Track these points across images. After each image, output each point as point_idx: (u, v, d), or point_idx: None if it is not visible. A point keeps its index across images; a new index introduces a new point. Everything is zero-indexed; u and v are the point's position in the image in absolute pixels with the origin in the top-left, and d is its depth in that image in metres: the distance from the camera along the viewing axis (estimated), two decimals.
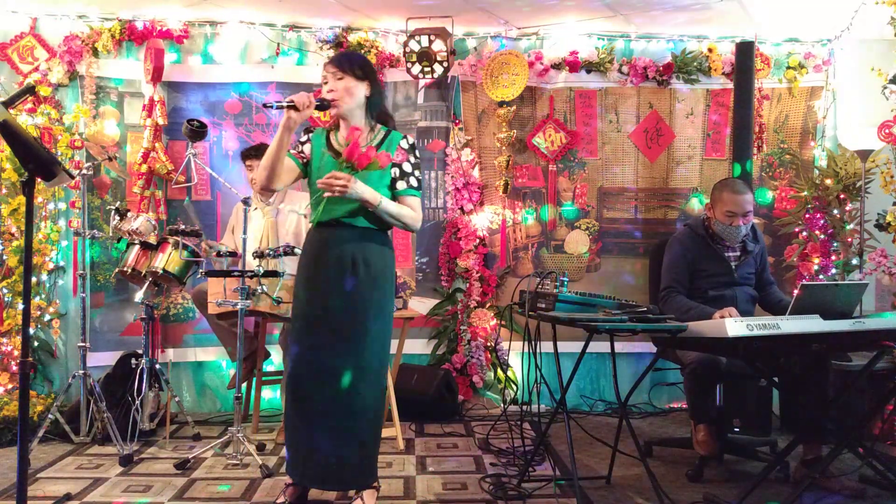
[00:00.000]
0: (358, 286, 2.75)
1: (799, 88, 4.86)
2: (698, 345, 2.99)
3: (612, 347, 3.26)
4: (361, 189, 2.64)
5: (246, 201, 3.61)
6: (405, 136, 2.85)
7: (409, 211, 2.80)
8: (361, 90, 2.78)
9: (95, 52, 4.51)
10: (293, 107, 2.62)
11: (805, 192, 4.65)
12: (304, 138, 2.88)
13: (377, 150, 2.74)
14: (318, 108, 2.71)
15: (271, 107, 2.66)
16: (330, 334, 2.74)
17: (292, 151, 2.82)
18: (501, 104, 4.74)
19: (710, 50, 4.83)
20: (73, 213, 4.42)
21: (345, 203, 2.71)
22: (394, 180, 2.80)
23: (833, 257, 4.55)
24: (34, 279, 4.33)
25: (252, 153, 4.11)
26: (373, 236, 2.80)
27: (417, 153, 2.86)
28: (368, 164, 2.61)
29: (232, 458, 3.53)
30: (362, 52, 4.69)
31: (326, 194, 2.64)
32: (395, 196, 2.81)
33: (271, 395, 4.61)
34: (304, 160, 2.84)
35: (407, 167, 2.81)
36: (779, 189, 4.85)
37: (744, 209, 3.45)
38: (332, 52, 4.68)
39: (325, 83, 2.77)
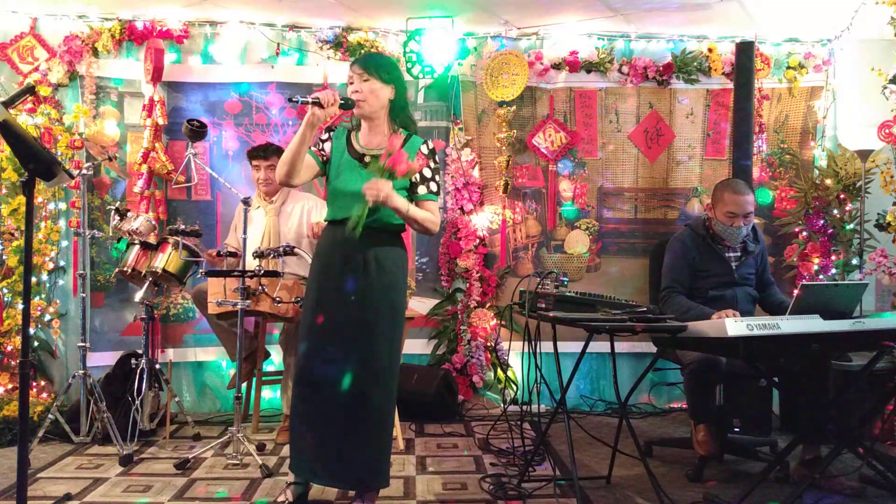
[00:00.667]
0: (368, 286, 2.74)
1: (799, 88, 4.86)
2: (698, 345, 2.99)
3: (612, 347, 3.26)
4: (397, 198, 2.66)
5: (246, 201, 3.61)
6: (425, 142, 2.84)
7: (430, 215, 2.81)
8: (386, 93, 2.78)
9: (95, 52, 4.50)
10: (318, 103, 2.62)
11: (805, 192, 4.65)
12: (324, 136, 2.87)
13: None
14: (342, 107, 2.71)
15: (297, 101, 2.67)
16: (338, 333, 2.73)
17: (313, 149, 2.82)
18: (501, 104, 4.74)
19: (710, 50, 4.83)
20: (73, 213, 4.42)
21: (361, 202, 2.66)
22: (413, 185, 2.80)
23: (833, 257, 4.55)
24: (34, 279, 4.33)
25: (259, 153, 4.10)
26: (386, 236, 2.80)
27: (437, 158, 2.87)
28: (407, 172, 2.62)
29: (232, 458, 3.53)
30: (362, 52, 4.69)
31: (371, 202, 2.60)
32: (413, 200, 2.80)
33: (271, 395, 4.61)
34: (325, 158, 2.84)
35: (427, 172, 2.81)
36: (779, 189, 4.85)
37: (745, 210, 3.45)
38: (332, 52, 4.69)
39: (351, 83, 2.77)
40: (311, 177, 2.85)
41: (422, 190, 2.81)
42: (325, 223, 2.89)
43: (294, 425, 2.83)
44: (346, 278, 2.74)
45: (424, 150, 2.82)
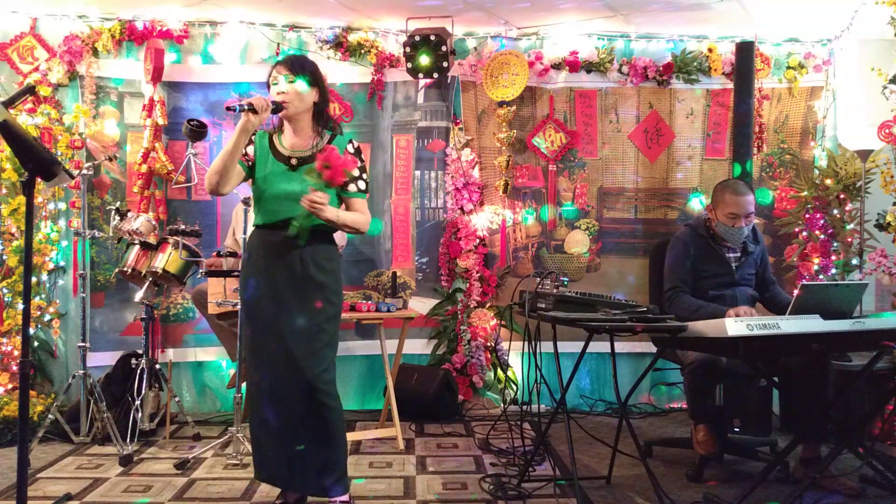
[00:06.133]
0: (308, 285, 2.73)
1: (799, 88, 4.85)
2: (698, 345, 2.99)
3: (612, 347, 3.26)
4: (329, 210, 2.64)
5: (246, 201, 3.61)
6: (350, 140, 2.86)
7: (360, 216, 2.81)
8: (311, 96, 2.77)
9: (95, 52, 4.51)
10: (252, 109, 2.61)
11: (805, 192, 4.65)
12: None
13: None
14: (273, 111, 2.71)
15: (234, 109, 2.64)
16: (284, 344, 2.70)
17: None
18: (501, 104, 4.74)
19: (710, 50, 4.83)
20: (73, 213, 4.42)
21: (293, 205, 2.66)
22: (343, 184, 2.75)
23: (833, 257, 4.55)
24: (34, 279, 4.33)
25: None
26: (321, 235, 2.77)
27: (363, 156, 2.87)
28: (345, 180, 2.62)
29: (232, 458, 3.53)
30: (362, 51, 4.70)
31: (313, 211, 2.60)
32: (343, 198, 2.79)
33: None
34: (250, 162, 2.80)
35: (355, 171, 2.81)
36: (779, 189, 4.85)
37: (746, 210, 3.45)
38: (332, 52, 4.69)
39: (275, 83, 2.74)
40: (238, 184, 2.82)
41: (351, 188, 2.80)
42: (254, 227, 2.85)
43: (254, 443, 2.82)
44: (285, 283, 2.72)
45: (350, 149, 2.83)
